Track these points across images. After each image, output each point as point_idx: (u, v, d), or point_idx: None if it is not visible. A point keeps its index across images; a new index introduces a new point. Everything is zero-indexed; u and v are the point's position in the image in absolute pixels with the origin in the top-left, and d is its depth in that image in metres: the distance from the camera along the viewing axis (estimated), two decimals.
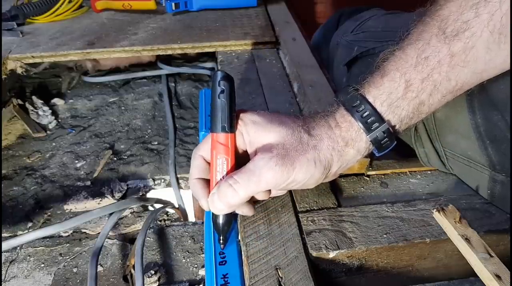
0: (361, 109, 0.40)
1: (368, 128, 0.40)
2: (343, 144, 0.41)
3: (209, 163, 0.43)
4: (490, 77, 0.39)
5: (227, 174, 0.41)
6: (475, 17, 0.35)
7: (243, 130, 0.42)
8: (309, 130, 0.41)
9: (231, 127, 0.41)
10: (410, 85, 0.39)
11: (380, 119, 0.40)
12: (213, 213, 0.43)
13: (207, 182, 0.43)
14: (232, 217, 0.44)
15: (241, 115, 0.42)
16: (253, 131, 0.41)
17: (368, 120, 0.40)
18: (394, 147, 0.42)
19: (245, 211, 0.44)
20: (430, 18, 0.38)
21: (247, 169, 0.39)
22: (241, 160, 0.42)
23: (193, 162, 0.44)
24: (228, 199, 0.40)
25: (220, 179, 0.41)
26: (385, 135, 0.40)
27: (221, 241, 0.44)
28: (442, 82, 0.38)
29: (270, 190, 0.44)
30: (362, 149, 0.42)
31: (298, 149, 0.40)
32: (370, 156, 0.52)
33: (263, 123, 0.41)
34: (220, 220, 0.43)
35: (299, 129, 0.41)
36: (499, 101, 0.43)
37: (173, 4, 0.98)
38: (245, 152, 0.43)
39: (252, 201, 0.45)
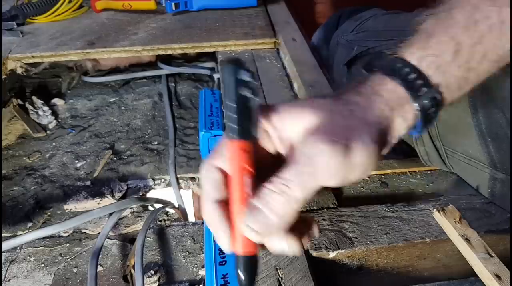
0: (405, 71, 0.34)
1: (415, 93, 0.34)
2: (388, 110, 0.33)
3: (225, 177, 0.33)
4: None
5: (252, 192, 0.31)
6: None
7: (267, 127, 0.34)
8: (347, 103, 0.33)
9: (257, 131, 0.32)
10: (459, 49, 0.34)
11: (428, 83, 0.34)
12: (237, 261, 0.31)
13: (224, 206, 0.32)
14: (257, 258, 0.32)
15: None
16: (280, 123, 0.33)
17: (415, 83, 0.33)
18: (436, 120, 0.36)
19: (292, 243, 0.32)
20: None
21: (292, 163, 0.31)
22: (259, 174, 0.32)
23: (207, 176, 0.33)
24: (277, 208, 0.29)
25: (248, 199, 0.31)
26: (431, 103, 0.34)
27: None
28: (492, 49, 0.34)
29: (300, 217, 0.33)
30: (409, 118, 0.34)
31: (343, 125, 0.32)
32: None
33: (288, 110, 0.33)
34: (245, 267, 0.30)
35: (334, 103, 0.33)
36: (500, 99, 0.43)
37: (173, 4, 0.98)
38: (268, 158, 0.35)
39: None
